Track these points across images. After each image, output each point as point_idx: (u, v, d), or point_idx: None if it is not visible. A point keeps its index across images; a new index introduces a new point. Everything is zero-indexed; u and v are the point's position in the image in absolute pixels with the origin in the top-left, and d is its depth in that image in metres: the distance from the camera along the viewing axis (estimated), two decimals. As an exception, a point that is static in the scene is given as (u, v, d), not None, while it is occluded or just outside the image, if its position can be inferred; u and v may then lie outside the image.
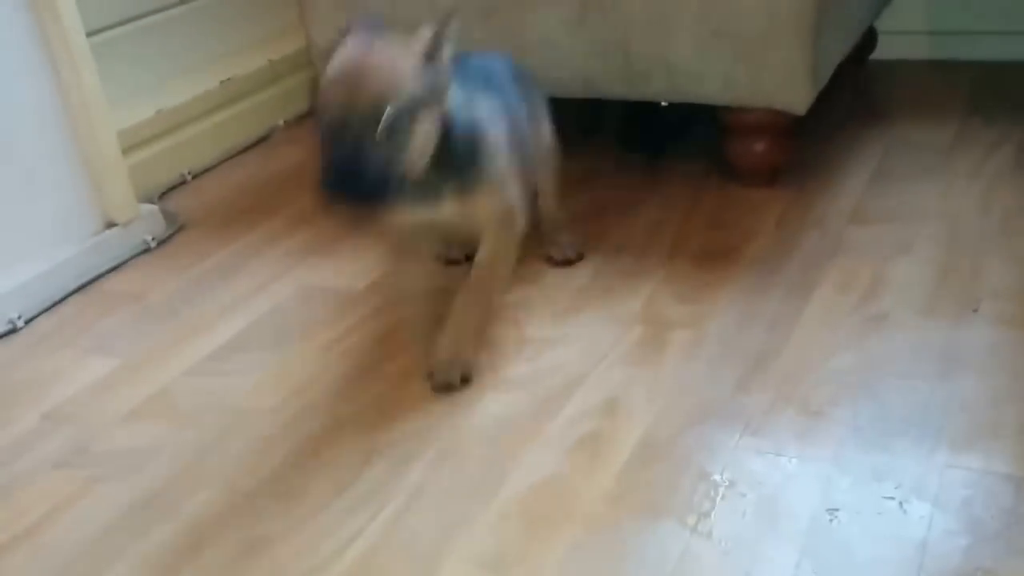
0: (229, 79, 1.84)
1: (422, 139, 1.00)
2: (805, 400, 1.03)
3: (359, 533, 0.92)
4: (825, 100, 1.45)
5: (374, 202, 0.98)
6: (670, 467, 0.96)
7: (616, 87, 1.47)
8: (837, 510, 0.89)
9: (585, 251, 1.34)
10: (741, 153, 1.48)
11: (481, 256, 1.15)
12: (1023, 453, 0.93)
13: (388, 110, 0.95)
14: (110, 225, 1.48)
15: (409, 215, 1.09)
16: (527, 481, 0.96)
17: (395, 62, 0.99)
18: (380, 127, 0.95)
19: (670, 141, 1.44)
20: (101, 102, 1.45)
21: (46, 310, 1.36)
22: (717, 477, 0.94)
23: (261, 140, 1.89)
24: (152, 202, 1.59)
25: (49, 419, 1.13)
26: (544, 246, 1.33)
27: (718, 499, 0.91)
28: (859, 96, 1.82)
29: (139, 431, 1.10)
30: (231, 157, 1.82)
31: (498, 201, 1.11)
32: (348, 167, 0.95)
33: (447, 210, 1.09)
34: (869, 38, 1.90)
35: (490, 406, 1.08)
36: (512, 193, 1.13)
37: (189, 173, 1.74)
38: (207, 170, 1.77)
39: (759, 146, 1.46)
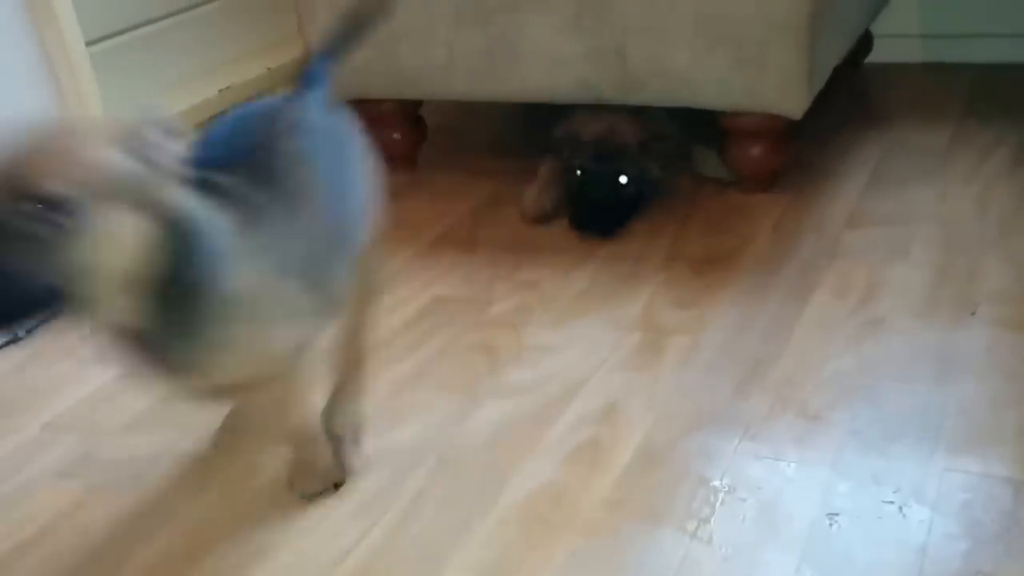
0: (228, 87, 1.84)
1: (110, 249, 0.71)
2: (804, 405, 1.03)
3: (360, 540, 0.92)
4: (822, 104, 1.46)
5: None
6: (669, 473, 0.96)
7: (613, 93, 1.47)
8: (837, 515, 0.89)
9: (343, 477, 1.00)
10: (739, 158, 1.48)
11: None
12: (1022, 456, 0.93)
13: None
14: (110, 234, 1.48)
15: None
16: (527, 488, 0.96)
17: (83, 143, 0.72)
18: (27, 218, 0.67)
19: (624, 222, 1.42)
20: (100, 110, 1.45)
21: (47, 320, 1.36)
22: (716, 483, 0.94)
23: (260, 148, 1.89)
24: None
25: (51, 429, 1.14)
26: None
27: (718, 505, 0.92)
28: (855, 100, 1.82)
29: (140, 440, 1.10)
30: (230, 165, 1.82)
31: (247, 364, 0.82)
32: None
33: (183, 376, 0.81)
34: (865, 42, 1.91)
35: (489, 413, 1.08)
36: (273, 349, 0.84)
37: (188, 182, 1.74)
38: (206, 178, 1.77)
39: (756, 151, 1.47)
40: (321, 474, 0.98)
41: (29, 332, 1.34)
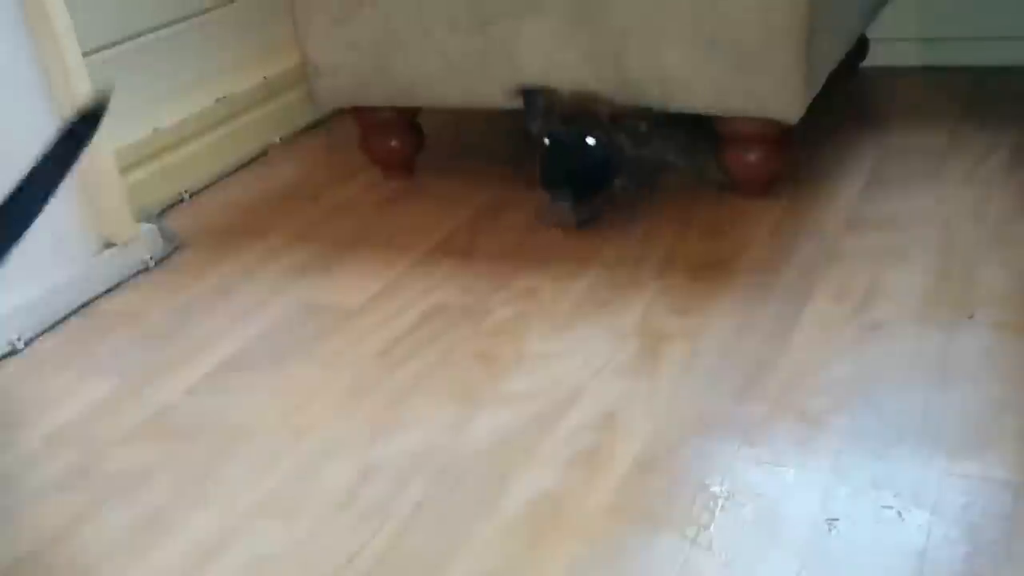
0: (225, 97, 1.84)
1: None
2: (803, 410, 1.03)
3: (360, 551, 0.92)
4: (818, 108, 1.46)
5: None
6: (669, 479, 0.96)
7: (610, 97, 1.47)
8: (836, 519, 0.89)
9: None
10: (736, 162, 1.48)
11: None
12: (1021, 459, 0.93)
13: None
14: (108, 245, 1.48)
15: None
16: (526, 495, 0.96)
17: None
18: None
19: (592, 186, 1.43)
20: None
21: (46, 331, 1.36)
22: (716, 488, 0.94)
23: (258, 157, 1.89)
24: (150, 221, 1.59)
25: (50, 441, 1.14)
26: None
27: (717, 511, 0.92)
28: (852, 103, 1.82)
29: (140, 451, 1.10)
30: (228, 175, 1.83)
31: None
32: None
33: None
34: (861, 45, 1.91)
35: (488, 421, 1.08)
36: None
37: (187, 192, 1.75)
38: (204, 188, 1.78)
39: (753, 155, 1.47)
40: None
41: (27, 343, 1.34)
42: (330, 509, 0.98)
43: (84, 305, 1.42)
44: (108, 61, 1.65)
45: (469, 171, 1.70)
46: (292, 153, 1.91)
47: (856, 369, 1.09)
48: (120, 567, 0.94)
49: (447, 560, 0.90)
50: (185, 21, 1.81)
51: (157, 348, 1.30)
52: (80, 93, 1.42)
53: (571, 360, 1.17)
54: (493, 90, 1.54)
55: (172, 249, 1.56)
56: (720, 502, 0.93)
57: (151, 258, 1.52)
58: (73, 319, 1.39)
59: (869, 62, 1.94)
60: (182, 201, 1.74)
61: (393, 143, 1.69)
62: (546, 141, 1.44)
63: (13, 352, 1.32)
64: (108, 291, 1.45)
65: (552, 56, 1.47)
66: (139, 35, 1.73)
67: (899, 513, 0.89)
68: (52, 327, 1.37)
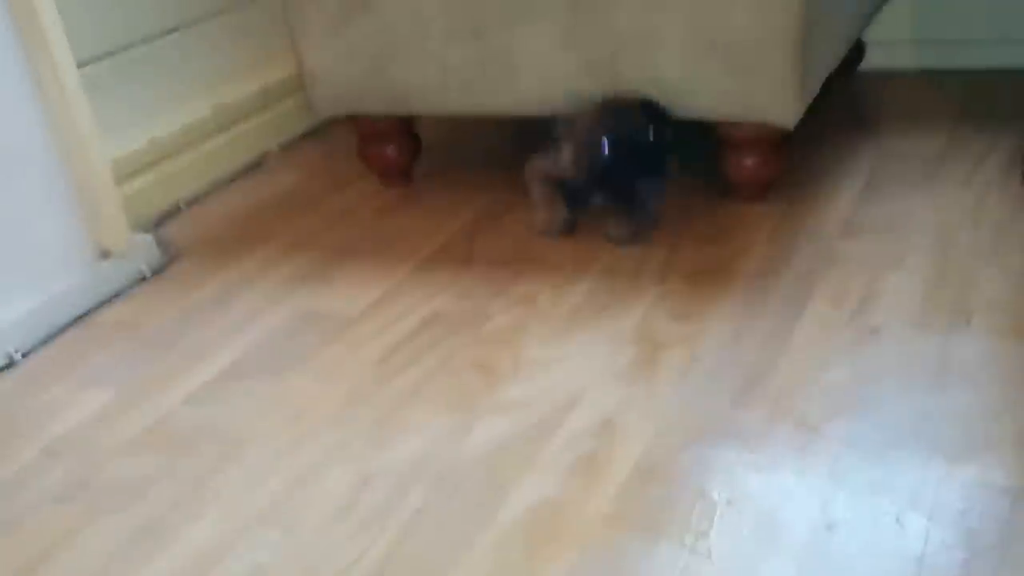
0: (221, 106, 1.85)
1: None
2: (801, 415, 1.04)
3: (359, 559, 0.92)
4: (815, 112, 1.46)
5: None
6: (668, 486, 0.96)
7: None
8: (834, 525, 0.89)
9: None
10: (733, 167, 1.49)
11: None
12: (1018, 464, 0.93)
13: None
14: (105, 256, 1.48)
15: None
16: (525, 503, 0.96)
17: None
18: None
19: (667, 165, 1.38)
20: (93, 133, 1.46)
21: (43, 343, 1.36)
22: (715, 495, 0.94)
23: (254, 166, 1.89)
24: (147, 231, 1.59)
25: (49, 452, 1.14)
26: None
27: (716, 517, 0.92)
28: (848, 107, 1.83)
29: (138, 462, 1.10)
30: (225, 184, 1.83)
31: None
32: None
33: None
34: (857, 50, 1.91)
35: (487, 429, 1.08)
36: None
37: (183, 201, 1.75)
38: (201, 197, 1.78)
39: (750, 160, 1.47)
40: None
41: (25, 355, 1.34)
42: (329, 517, 0.98)
43: (81, 316, 1.42)
44: (103, 72, 1.65)
45: (466, 178, 1.70)
46: (289, 161, 1.91)
47: (854, 374, 1.09)
48: (119, 578, 0.94)
49: (446, 568, 0.90)
50: (180, 31, 1.81)
51: (155, 358, 1.30)
52: (75, 104, 1.42)
53: (570, 366, 1.17)
54: (490, 97, 1.54)
55: (169, 259, 1.56)
56: (719, 509, 0.93)
57: (148, 268, 1.52)
58: (70, 330, 1.39)
59: (866, 65, 1.95)
60: (179, 210, 1.74)
61: (390, 151, 1.69)
62: (604, 142, 1.37)
63: (11, 364, 1.32)
64: (105, 302, 1.45)
65: (549, 63, 1.48)
66: (134, 45, 1.74)
67: (897, 518, 0.89)
68: (49, 338, 1.37)
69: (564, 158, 1.43)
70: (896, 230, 1.38)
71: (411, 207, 1.65)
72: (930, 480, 0.93)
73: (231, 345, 1.30)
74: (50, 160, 1.42)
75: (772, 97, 1.40)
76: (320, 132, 2.02)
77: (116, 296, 1.47)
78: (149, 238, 1.56)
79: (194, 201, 1.77)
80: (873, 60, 1.94)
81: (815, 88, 1.47)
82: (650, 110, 1.40)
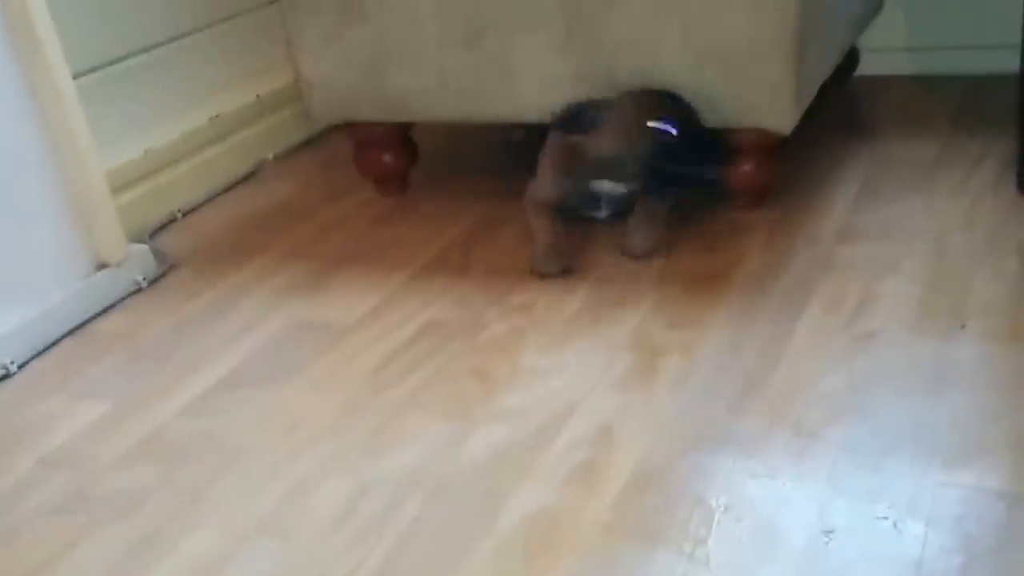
0: (217, 116, 1.85)
1: None
2: (798, 422, 1.04)
3: (357, 568, 0.92)
4: (810, 119, 1.47)
5: None
6: (665, 494, 0.96)
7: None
8: (832, 532, 0.89)
9: None
10: (731, 173, 1.49)
11: None
12: (1015, 469, 0.94)
13: None
14: (101, 266, 1.48)
15: None
16: (523, 512, 0.96)
17: None
18: None
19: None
20: (89, 143, 1.46)
21: (39, 354, 1.36)
22: (713, 502, 0.94)
23: (250, 175, 1.90)
24: (143, 242, 1.59)
25: (45, 464, 1.13)
26: None
27: (714, 525, 0.92)
28: (843, 114, 1.83)
29: (134, 473, 1.10)
30: (221, 193, 1.83)
31: None
32: None
33: None
34: (851, 57, 1.92)
35: (484, 437, 1.08)
36: None
37: (179, 211, 1.75)
38: (197, 207, 1.78)
39: (747, 167, 1.47)
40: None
41: (20, 366, 1.34)
42: (327, 527, 0.98)
43: (78, 327, 1.42)
44: (98, 83, 1.65)
45: (463, 186, 1.70)
46: (285, 171, 1.91)
47: (850, 380, 1.09)
48: (116, 590, 0.94)
49: (444, 578, 0.90)
50: (175, 41, 1.82)
51: (151, 369, 1.30)
52: (71, 115, 1.42)
53: (567, 375, 1.17)
54: (488, 104, 1.54)
55: (165, 269, 1.56)
56: (717, 516, 0.93)
57: (144, 278, 1.52)
58: (66, 341, 1.39)
59: (860, 71, 1.95)
60: (175, 220, 1.74)
61: (387, 158, 1.69)
62: (651, 125, 1.32)
63: (6, 375, 1.32)
64: (101, 312, 1.45)
65: (546, 70, 1.48)
66: (129, 56, 1.74)
67: (895, 524, 0.89)
68: (45, 349, 1.37)
69: (603, 142, 1.37)
70: (892, 235, 1.38)
71: (407, 216, 1.65)
72: (927, 485, 0.93)
73: (228, 355, 1.30)
74: (46, 171, 1.42)
75: (768, 103, 1.40)
76: (316, 142, 2.02)
77: (112, 307, 1.47)
78: (145, 248, 1.56)
79: (190, 211, 1.77)
80: (867, 67, 1.95)
81: (811, 94, 1.47)
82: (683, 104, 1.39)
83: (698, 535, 0.91)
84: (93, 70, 1.66)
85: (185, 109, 1.82)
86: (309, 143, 2.02)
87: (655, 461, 1.01)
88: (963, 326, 1.15)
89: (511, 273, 1.41)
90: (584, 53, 1.46)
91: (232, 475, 1.07)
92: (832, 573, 0.85)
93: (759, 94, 1.39)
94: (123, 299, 1.49)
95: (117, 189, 1.59)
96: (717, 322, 1.23)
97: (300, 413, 1.16)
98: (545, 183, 1.44)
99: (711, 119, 1.43)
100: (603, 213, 1.40)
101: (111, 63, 1.70)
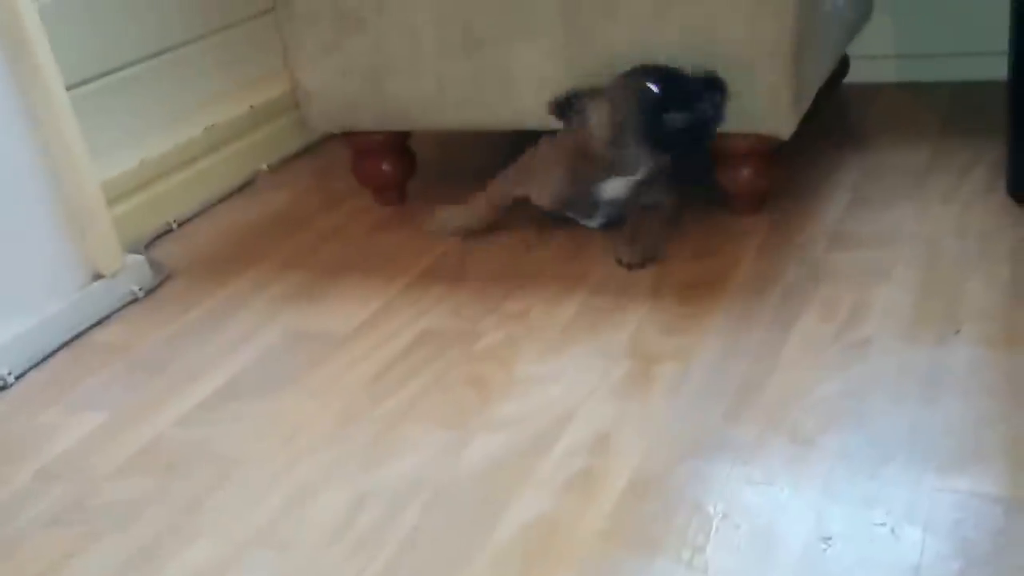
0: (212, 126, 1.85)
1: None
2: (794, 429, 1.04)
3: (356, 580, 0.92)
4: (802, 126, 1.47)
5: None
6: (663, 502, 0.97)
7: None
8: (830, 538, 0.90)
9: None
10: (729, 179, 1.50)
11: None
12: (1010, 474, 0.94)
13: None
14: (97, 277, 1.48)
15: None
16: (521, 520, 0.97)
17: None
18: None
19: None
20: (84, 154, 1.46)
21: (35, 365, 1.36)
22: (710, 509, 0.95)
23: (246, 185, 1.90)
24: (138, 252, 1.59)
25: (42, 476, 1.13)
26: None
27: (712, 532, 0.92)
28: (834, 121, 1.84)
29: (132, 484, 1.10)
30: (216, 204, 1.83)
31: None
32: None
33: None
34: (842, 63, 1.93)
35: (481, 446, 1.08)
36: None
37: (175, 221, 1.75)
38: (193, 218, 1.78)
39: (746, 172, 1.48)
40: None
41: (17, 378, 1.33)
42: (325, 537, 0.98)
43: (74, 338, 1.42)
44: (93, 94, 1.66)
45: (459, 194, 1.70)
46: (281, 180, 1.92)
47: (845, 387, 1.10)
48: (115, 602, 0.94)
49: (444, 587, 0.90)
50: (169, 52, 1.82)
51: (148, 379, 1.30)
52: (65, 126, 1.43)
53: (563, 383, 1.17)
54: (487, 111, 1.55)
55: (161, 279, 1.56)
56: (714, 523, 0.93)
57: (140, 289, 1.52)
58: (63, 352, 1.39)
59: (849, 79, 1.96)
60: (170, 231, 1.74)
61: (385, 167, 1.70)
62: (648, 87, 1.32)
63: (3, 387, 1.31)
64: (98, 323, 1.45)
65: (544, 77, 1.49)
66: (123, 67, 1.74)
67: (892, 530, 0.89)
68: (42, 360, 1.37)
69: (597, 124, 1.38)
70: (884, 242, 1.39)
71: (403, 224, 1.65)
72: (924, 491, 0.93)
73: (224, 365, 1.30)
74: (41, 182, 1.42)
75: (767, 110, 1.41)
76: (312, 151, 2.02)
77: (108, 317, 1.47)
78: (141, 259, 1.56)
79: (186, 221, 1.77)
80: (857, 74, 1.96)
81: (808, 99, 1.48)
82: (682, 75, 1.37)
83: (696, 542, 0.91)
84: (87, 81, 1.66)
85: (180, 120, 1.83)
86: (304, 153, 2.02)
87: (652, 468, 1.01)
88: (957, 332, 1.16)
89: (506, 281, 1.42)
90: (583, 60, 1.46)
91: (230, 485, 1.07)
92: (830, 579, 0.86)
93: (758, 100, 1.40)
94: (119, 310, 1.49)
95: (112, 200, 1.59)
96: (713, 329, 1.24)
97: (298, 423, 1.17)
98: (549, 188, 1.45)
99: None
100: (599, 221, 1.41)
101: (105, 74, 1.70)
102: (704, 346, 1.20)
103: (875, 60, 1.96)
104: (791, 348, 1.18)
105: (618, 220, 1.45)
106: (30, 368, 1.35)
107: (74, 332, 1.42)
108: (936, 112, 1.80)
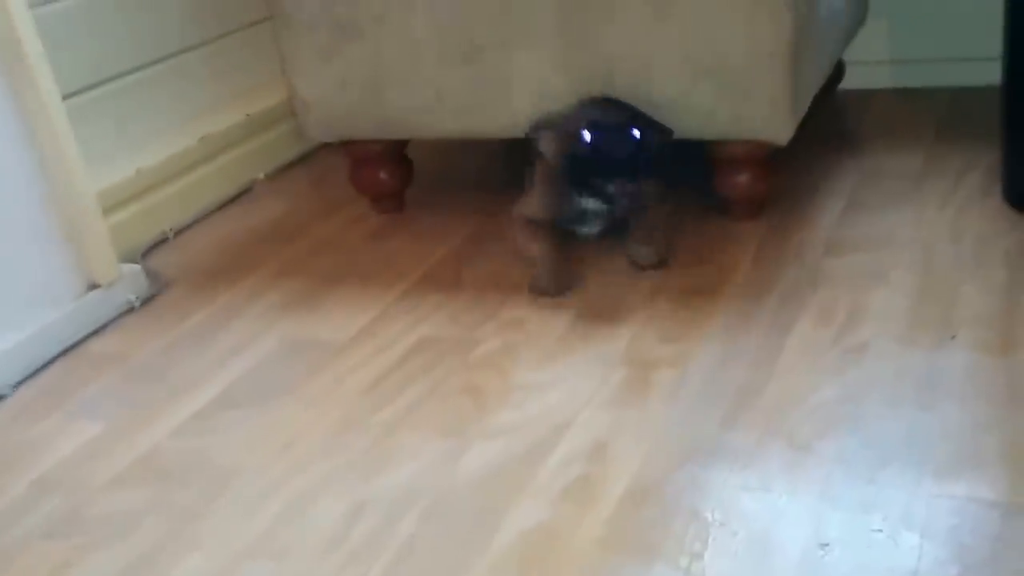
0: (208, 135, 1.85)
1: None
2: (791, 435, 1.04)
3: (353, 589, 0.92)
4: (798, 131, 1.48)
5: None
6: (661, 509, 0.97)
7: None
8: (828, 544, 0.89)
9: None
10: (727, 186, 1.50)
11: None
12: (1007, 479, 0.94)
13: None
14: (93, 287, 1.48)
15: None
16: (519, 528, 0.96)
17: None
18: None
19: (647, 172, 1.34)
20: (79, 164, 1.46)
21: (31, 375, 1.36)
22: (708, 516, 0.95)
23: (242, 194, 1.90)
24: (135, 262, 1.59)
25: (38, 486, 1.13)
26: None
27: (710, 539, 0.92)
28: (830, 127, 1.85)
29: (128, 495, 1.10)
30: (213, 213, 1.83)
31: None
32: None
33: None
34: (837, 68, 1.93)
35: (478, 454, 1.08)
36: None
37: (171, 230, 1.75)
38: (189, 227, 1.78)
39: (744, 178, 1.48)
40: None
41: (13, 388, 1.33)
42: (323, 546, 0.98)
43: (70, 348, 1.41)
44: (89, 103, 1.66)
45: (456, 202, 1.71)
46: (277, 189, 1.92)
47: (842, 392, 1.10)
48: (112, 613, 0.93)
49: (441, 596, 0.90)
50: (165, 61, 1.82)
51: (144, 389, 1.30)
52: (61, 136, 1.42)
53: (560, 390, 1.17)
54: (485, 120, 1.55)
55: (158, 289, 1.56)
56: (712, 530, 0.93)
57: (136, 298, 1.52)
58: (59, 362, 1.39)
59: (844, 85, 1.97)
60: (167, 240, 1.74)
61: (383, 175, 1.70)
62: (584, 131, 1.32)
63: (0, 398, 1.31)
64: (94, 333, 1.45)
65: (543, 84, 1.49)
66: (119, 76, 1.74)
67: (890, 536, 0.89)
68: (38, 371, 1.37)
69: (548, 151, 1.39)
70: (880, 247, 1.39)
71: (399, 232, 1.65)
72: (921, 496, 0.93)
73: (221, 374, 1.30)
74: (36, 192, 1.42)
75: (765, 116, 1.41)
76: (308, 159, 2.02)
77: (104, 327, 1.46)
78: (137, 268, 1.56)
79: (182, 231, 1.77)
80: (852, 80, 1.96)
81: (806, 105, 1.48)
82: (635, 113, 1.39)
83: (694, 549, 0.91)
84: (83, 90, 1.66)
85: (176, 129, 1.83)
86: (300, 161, 2.02)
87: (650, 475, 1.01)
88: (953, 337, 1.16)
89: (503, 288, 1.42)
90: (581, 68, 1.46)
91: (226, 496, 1.07)
92: (828, 585, 0.85)
93: (756, 106, 1.40)
94: (115, 319, 1.48)
95: (108, 209, 1.59)
96: (709, 335, 1.24)
97: (294, 432, 1.16)
98: (538, 199, 1.45)
99: (708, 132, 1.44)
100: (594, 229, 1.41)
101: (101, 83, 1.70)
102: (701, 352, 1.20)
103: (870, 66, 1.96)
104: (788, 353, 1.18)
105: (614, 227, 1.45)
106: (26, 378, 1.35)
107: (70, 342, 1.42)
108: (931, 117, 1.81)
